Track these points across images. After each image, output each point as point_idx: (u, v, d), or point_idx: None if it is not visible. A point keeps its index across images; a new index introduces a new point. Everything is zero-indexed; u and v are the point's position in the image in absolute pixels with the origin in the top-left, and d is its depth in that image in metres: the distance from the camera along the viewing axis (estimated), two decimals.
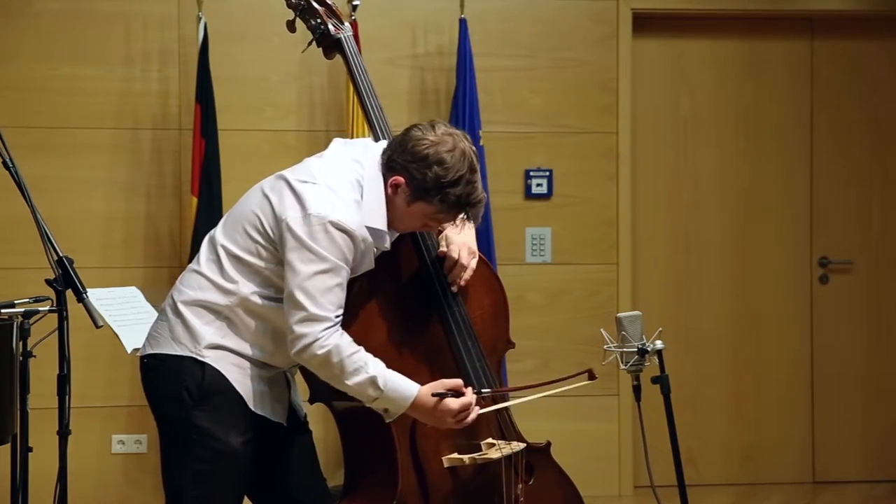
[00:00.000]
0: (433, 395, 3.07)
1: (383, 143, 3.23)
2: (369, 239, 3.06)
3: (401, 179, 3.08)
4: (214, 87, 5.46)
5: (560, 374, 6.09)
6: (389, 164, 3.11)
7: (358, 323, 3.17)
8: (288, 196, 3.04)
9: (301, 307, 2.97)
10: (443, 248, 3.31)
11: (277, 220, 3.02)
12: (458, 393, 3.10)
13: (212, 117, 5.45)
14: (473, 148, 3.12)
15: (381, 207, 3.09)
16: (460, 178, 3.05)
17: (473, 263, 3.32)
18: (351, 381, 3.01)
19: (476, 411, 3.13)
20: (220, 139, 5.46)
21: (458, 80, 5.65)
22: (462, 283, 3.31)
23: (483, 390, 3.20)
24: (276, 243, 3.03)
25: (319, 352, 2.98)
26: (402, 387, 3.05)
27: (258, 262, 3.06)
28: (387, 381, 3.03)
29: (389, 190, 3.10)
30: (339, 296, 3.02)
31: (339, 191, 3.04)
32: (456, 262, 3.29)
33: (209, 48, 5.46)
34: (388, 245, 3.16)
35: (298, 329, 2.98)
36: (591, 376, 3.28)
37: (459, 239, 3.31)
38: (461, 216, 3.11)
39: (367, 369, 3.01)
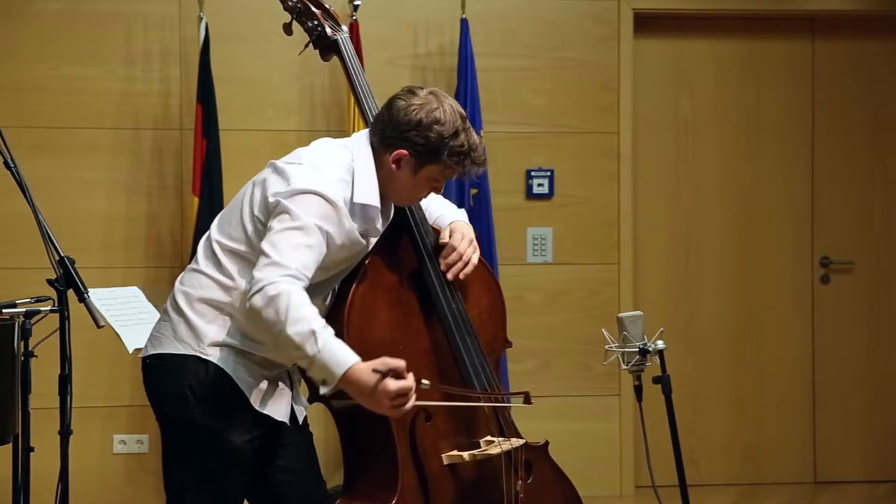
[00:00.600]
0: (373, 370, 2.89)
1: (366, 130, 3.24)
2: (354, 224, 3.06)
3: (403, 152, 3.10)
4: (216, 87, 5.46)
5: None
6: (386, 142, 3.12)
7: (358, 319, 3.17)
8: (273, 176, 3.05)
9: (265, 255, 2.91)
10: (444, 237, 3.30)
11: (265, 201, 3.02)
12: (398, 376, 2.93)
13: (213, 117, 5.45)
14: (454, 100, 3.18)
15: (373, 184, 3.10)
16: (458, 130, 3.10)
17: (475, 258, 3.31)
18: (291, 330, 2.85)
19: (413, 399, 2.94)
20: (221, 139, 5.47)
21: (460, 80, 5.65)
22: (462, 276, 3.29)
23: (423, 381, 3.01)
24: (266, 225, 3.02)
25: (271, 292, 2.86)
26: (341, 352, 2.89)
27: (252, 253, 3.05)
28: (327, 342, 2.87)
29: (393, 166, 3.11)
30: (308, 256, 2.94)
31: (325, 170, 3.05)
32: (454, 250, 3.28)
33: (210, 48, 5.46)
34: (380, 227, 3.16)
35: (259, 274, 2.90)
36: (527, 400, 3.22)
37: (463, 228, 3.31)
38: (467, 163, 3.13)
39: (310, 323, 2.87)
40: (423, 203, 3.36)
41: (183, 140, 5.61)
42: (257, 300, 2.88)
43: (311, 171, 3.04)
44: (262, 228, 3.03)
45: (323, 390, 2.94)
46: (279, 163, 3.09)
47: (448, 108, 3.11)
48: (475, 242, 3.34)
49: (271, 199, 2.99)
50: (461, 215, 3.43)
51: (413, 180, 3.14)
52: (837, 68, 6.21)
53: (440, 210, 3.41)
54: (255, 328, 3.01)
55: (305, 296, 2.90)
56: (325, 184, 3.01)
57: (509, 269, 5.74)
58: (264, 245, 2.94)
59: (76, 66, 5.59)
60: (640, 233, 6.07)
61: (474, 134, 3.15)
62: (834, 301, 6.23)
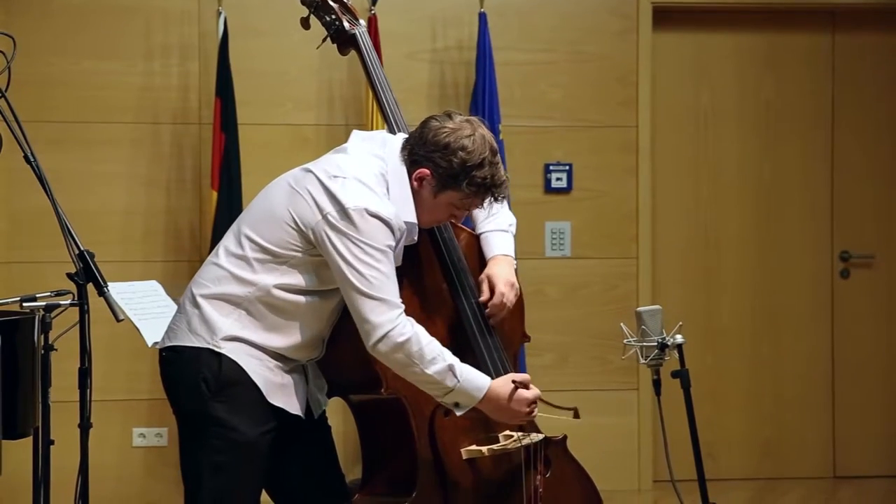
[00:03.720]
0: (512, 381, 3.10)
1: (400, 137, 3.25)
2: (404, 227, 3.09)
3: (426, 171, 3.11)
4: (234, 81, 5.47)
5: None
6: (412, 159, 3.14)
7: None
8: (320, 193, 3.05)
9: (370, 296, 2.99)
10: (484, 291, 3.33)
11: (314, 218, 3.03)
12: (525, 387, 3.14)
13: (232, 111, 5.46)
14: (490, 132, 3.17)
15: (408, 200, 3.12)
16: (484, 161, 3.10)
17: (512, 297, 3.36)
18: (431, 370, 3.01)
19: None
20: (239, 133, 5.48)
21: (478, 74, 5.65)
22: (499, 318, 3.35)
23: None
24: (307, 237, 3.04)
25: (400, 339, 2.98)
26: (476, 376, 3.08)
27: (287, 253, 3.06)
28: (462, 370, 3.06)
29: (415, 183, 3.13)
30: (395, 283, 3.04)
31: (369, 184, 3.07)
32: (496, 302, 3.33)
33: (229, 42, 5.47)
34: (415, 238, 3.18)
35: (374, 318, 2.99)
36: (576, 415, 3.37)
37: (500, 274, 3.34)
38: (488, 199, 3.15)
39: (444, 357, 3.04)
40: None
41: (202, 134, 5.63)
42: (383, 347, 3.00)
43: (358, 186, 3.05)
44: (301, 239, 3.04)
45: (458, 412, 3.11)
46: (322, 176, 3.08)
47: (478, 138, 3.11)
48: (516, 284, 3.37)
49: (329, 219, 3.00)
50: (506, 242, 3.43)
51: (433, 202, 3.15)
52: (858, 62, 6.18)
53: (485, 216, 3.42)
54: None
55: (425, 332, 3.04)
56: (375, 200, 3.04)
57: (527, 264, 5.73)
58: (353, 279, 2.98)
59: (95, 61, 5.61)
60: (659, 227, 6.05)
61: (501, 170, 3.15)
62: (853, 296, 6.21)
